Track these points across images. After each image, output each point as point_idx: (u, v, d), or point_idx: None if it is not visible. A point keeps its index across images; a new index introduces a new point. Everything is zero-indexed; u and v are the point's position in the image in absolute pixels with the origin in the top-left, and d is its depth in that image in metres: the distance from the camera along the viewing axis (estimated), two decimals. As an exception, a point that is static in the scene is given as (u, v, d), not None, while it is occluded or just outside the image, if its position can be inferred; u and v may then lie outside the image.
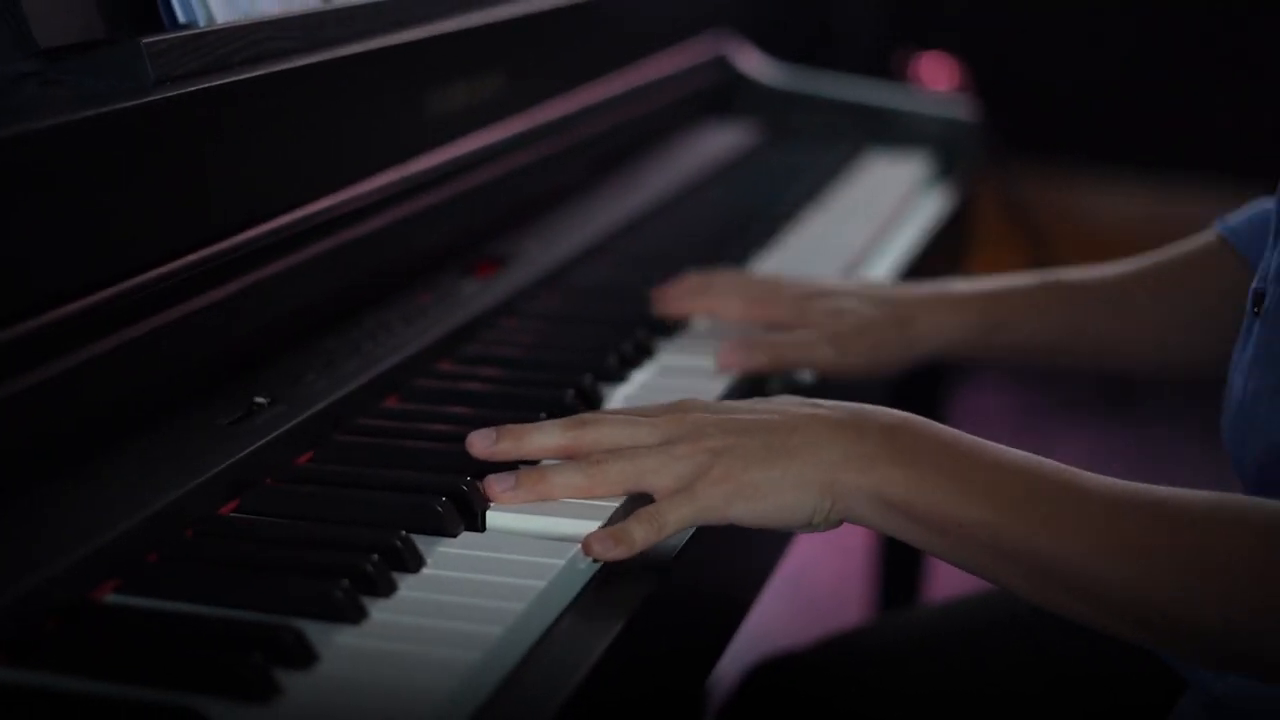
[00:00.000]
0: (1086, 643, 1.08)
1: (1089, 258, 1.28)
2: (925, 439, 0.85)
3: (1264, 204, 1.11)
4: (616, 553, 0.83)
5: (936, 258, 1.59)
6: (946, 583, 2.23)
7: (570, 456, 0.89)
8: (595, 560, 0.83)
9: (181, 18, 0.98)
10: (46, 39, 0.89)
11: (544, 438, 0.89)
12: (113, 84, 0.88)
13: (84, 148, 0.83)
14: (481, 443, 0.89)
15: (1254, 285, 0.95)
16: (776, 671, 1.21)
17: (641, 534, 0.83)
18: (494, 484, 0.87)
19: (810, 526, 0.85)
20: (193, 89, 0.90)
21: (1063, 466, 0.83)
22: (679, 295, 1.18)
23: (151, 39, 0.89)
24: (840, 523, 0.86)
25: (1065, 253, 3.26)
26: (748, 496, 0.84)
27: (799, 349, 1.10)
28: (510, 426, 0.90)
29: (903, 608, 1.90)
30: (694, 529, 0.87)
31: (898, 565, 2.02)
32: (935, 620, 1.20)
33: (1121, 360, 1.18)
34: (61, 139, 0.81)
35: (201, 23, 0.98)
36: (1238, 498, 0.79)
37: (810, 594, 2.45)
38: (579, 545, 0.83)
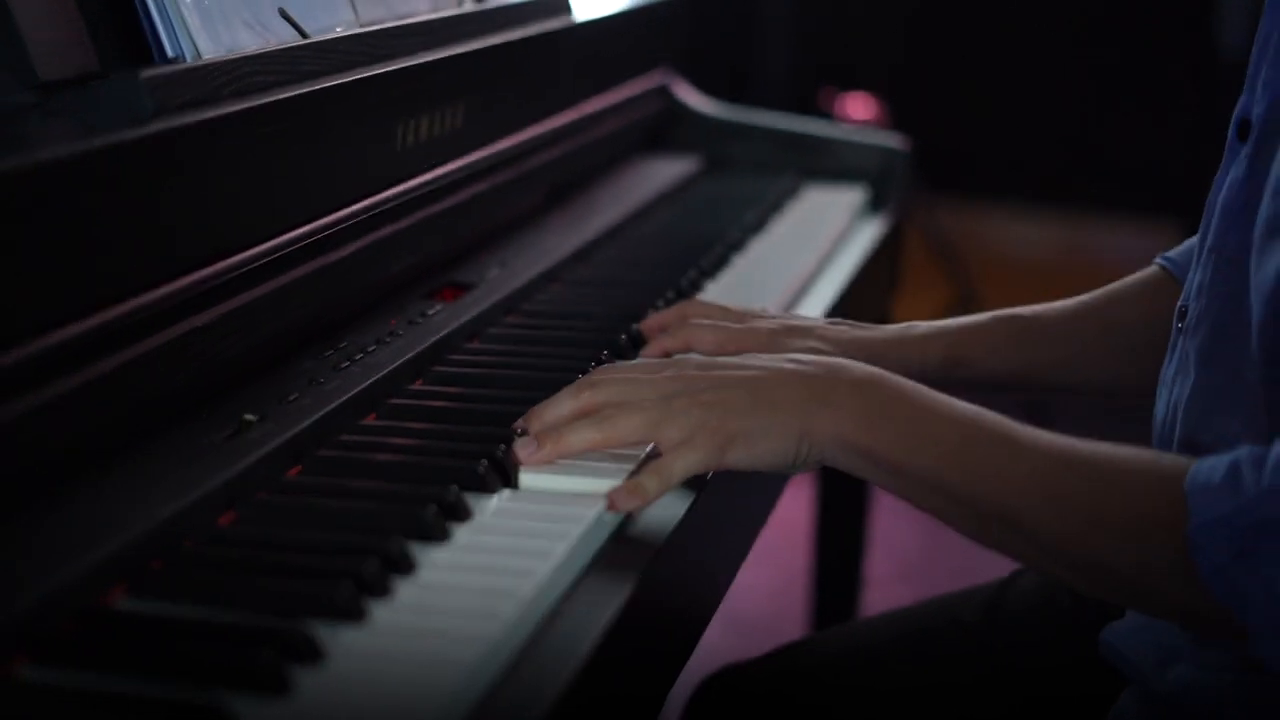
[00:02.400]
0: (1028, 643, 1.15)
1: (1003, 285, 1.34)
2: (887, 392, 0.95)
3: None
4: (633, 502, 0.94)
5: (874, 282, 1.66)
6: (880, 603, 2.30)
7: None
8: (618, 513, 0.94)
9: (170, 52, 1.02)
10: (46, 72, 0.93)
11: (560, 409, 0.99)
12: (112, 116, 0.92)
13: (89, 177, 0.87)
14: (526, 453, 0.98)
15: (1179, 303, 1.03)
16: (730, 682, 1.26)
17: (654, 484, 0.94)
18: (520, 449, 0.97)
19: (793, 468, 0.96)
20: (189, 120, 0.94)
21: (1006, 421, 0.92)
22: (656, 336, 1.22)
23: (149, 72, 0.94)
24: (818, 465, 0.96)
25: (982, 281, 3.36)
26: (739, 444, 0.94)
27: None
28: (532, 416, 0.99)
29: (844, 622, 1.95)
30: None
31: (833, 583, 2.08)
32: (883, 627, 1.25)
33: (1074, 389, 1.24)
34: (71, 168, 0.85)
35: (189, 57, 1.03)
36: (1150, 452, 0.90)
37: (746, 614, 2.51)
38: (567, 546, 0.88)
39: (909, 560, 2.71)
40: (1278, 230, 0.89)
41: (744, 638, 2.39)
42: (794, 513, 2.61)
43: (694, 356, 1.02)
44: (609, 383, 0.99)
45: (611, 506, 0.93)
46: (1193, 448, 0.97)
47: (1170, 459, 0.88)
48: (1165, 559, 0.84)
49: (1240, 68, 1.00)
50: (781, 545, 2.66)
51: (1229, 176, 0.98)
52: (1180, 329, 1.02)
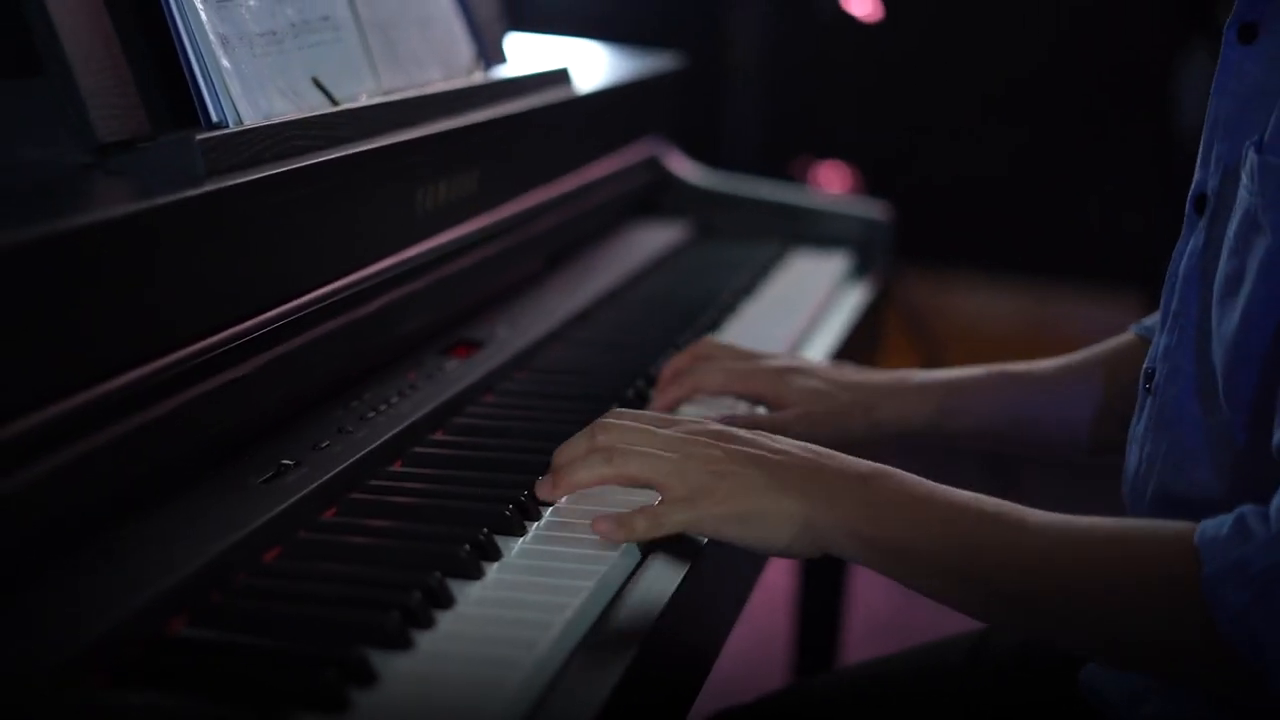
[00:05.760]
0: (1012, 684, 1.21)
1: (967, 353, 1.41)
2: (892, 483, 1.00)
3: None
4: (619, 535, 0.98)
5: (858, 345, 1.73)
6: (858, 653, 2.34)
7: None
8: (600, 538, 0.98)
9: (215, 117, 1.08)
10: (104, 134, 0.99)
11: (575, 449, 1.04)
12: (168, 176, 0.98)
13: (151, 233, 0.93)
14: (543, 488, 1.04)
15: (1145, 366, 1.10)
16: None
17: (643, 525, 0.98)
18: (539, 487, 1.04)
19: (787, 552, 0.99)
20: (240, 181, 1.00)
21: (1005, 502, 0.98)
22: (666, 385, 1.29)
23: (203, 136, 1.00)
24: (819, 552, 1.00)
25: (946, 349, 3.43)
26: (740, 521, 0.98)
27: (773, 427, 1.22)
28: (557, 470, 1.04)
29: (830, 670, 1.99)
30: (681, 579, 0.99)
31: (813, 641, 2.13)
32: (872, 671, 1.30)
33: (1058, 441, 1.31)
34: (134, 225, 0.91)
35: (231, 122, 1.09)
36: (1141, 521, 0.96)
37: (725, 671, 2.55)
38: (593, 583, 0.94)
39: (884, 619, 2.76)
40: (1233, 287, 0.97)
41: (724, 693, 2.43)
42: (770, 574, 2.66)
43: (706, 422, 1.07)
44: (621, 427, 1.04)
45: (597, 529, 0.98)
46: (1166, 499, 1.04)
47: (1169, 522, 0.94)
48: (1180, 612, 0.89)
49: (1196, 145, 1.08)
50: (759, 605, 2.71)
51: (1188, 246, 1.05)
52: (1148, 390, 1.09)
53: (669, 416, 1.09)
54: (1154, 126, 3.94)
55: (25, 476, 0.82)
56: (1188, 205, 1.06)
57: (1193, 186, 1.06)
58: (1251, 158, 0.96)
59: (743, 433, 1.05)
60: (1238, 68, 1.02)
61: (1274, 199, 0.94)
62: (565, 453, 1.05)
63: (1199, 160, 1.06)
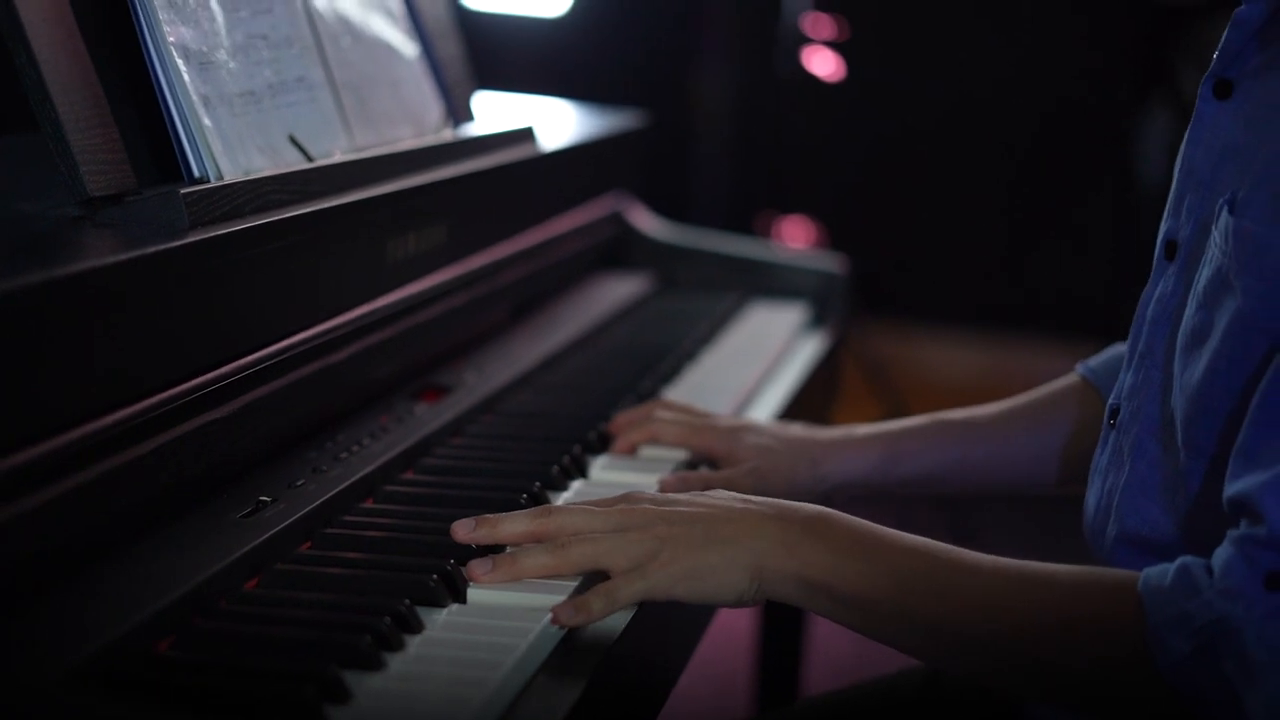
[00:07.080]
0: (964, 716, 1.26)
1: (932, 403, 1.47)
2: (839, 528, 1.02)
3: (1117, 348, 1.32)
4: (577, 620, 0.99)
5: (814, 393, 1.80)
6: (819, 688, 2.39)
7: (537, 541, 1.05)
8: (560, 627, 0.99)
9: (196, 172, 1.15)
10: (94, 189, 1.05)
11: (514, 525, 1.06)
12: (154, 228, 1.04)
13: (136, 281, 0.99)
14: (463, 530, 1.06)
15: (1110, 402, 1.14)
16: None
17: (599, 605, 1.00)
18: (475, 567, 1.03)
19: (739, 603, 1.02)
20: (221, 233, 1.06)
21: (955, 548, 1.01)
22: (624, 429, 1.35)
23: (186, 190, 1.06)
24: (765, 599, 1.02)
25: (911, 398, 3.50)
26: (690, 578, 1.01)
27: (726, 483, 1.28)
28: (486, 516, 1.07)
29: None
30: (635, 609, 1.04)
31: (775, 668, 2.18)
32: (828, 705, 1.36)
33: (1003, 485, 1.36)
34: (121, 274, 0.97)
35: (212, 178, 1.15)
36: (1094, 567, 0.98)
37: (684, 699, 2.60)
38: (549, 613, 0.99)
39: (844, 655, 2.81)
40: (1199, 339, 1.00)
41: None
42: (732, 611, 2.70)
43: (646, 492, 1.09)
44: (565, 512, 1.05)
45: (555, 620, 0.98)
46: (1124, 536, 1.08)
47: (1114, 570, 0.98)
48: (1124, 658, 0.92)
49: (1158, 200, 1.13)
50: (721, 642, 2.75)
51: (1157, 290, 1.09)
52: (1112, 425, 1.13)
53: (607, 500, 1.08)
54: (1116, 182, 4.03)
55: (23, 507, 0.88)
56: (1158, 249, 1.09)
57: (1163, 232, 1.08)
58: (1226, 219, 0.98)
59: (681, 495, 1.07)
60: (1212, 121, 1.04)
61: (1245, 263, 0.96)
62: (503, 527, 1.05)
63: (1169, 206, 1.08)
